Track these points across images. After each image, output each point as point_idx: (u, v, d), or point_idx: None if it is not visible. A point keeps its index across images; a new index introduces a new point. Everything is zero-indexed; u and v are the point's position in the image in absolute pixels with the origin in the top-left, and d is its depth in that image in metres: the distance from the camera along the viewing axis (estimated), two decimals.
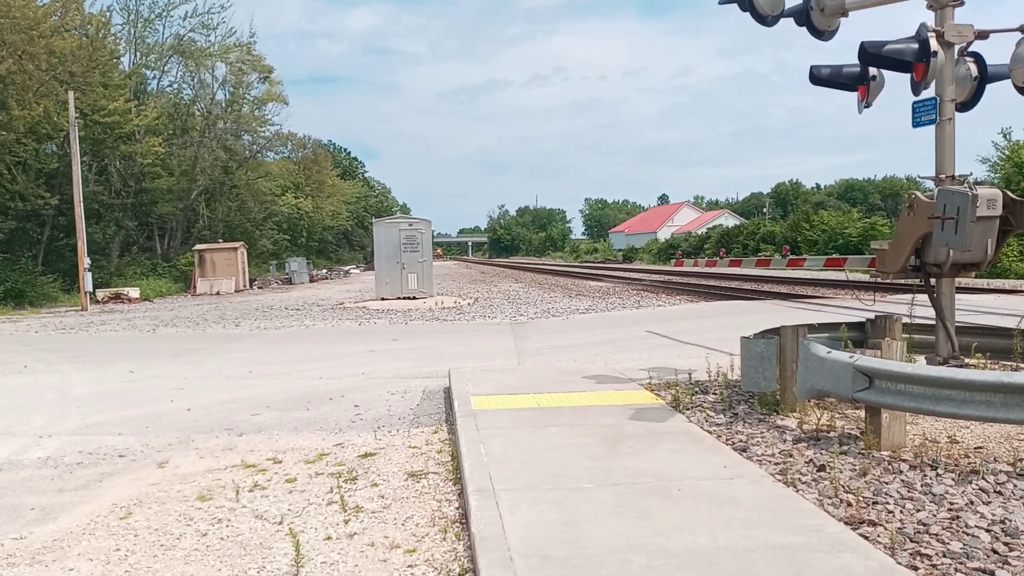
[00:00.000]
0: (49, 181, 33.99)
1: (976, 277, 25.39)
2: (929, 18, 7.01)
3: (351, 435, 7.20)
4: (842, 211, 60.52)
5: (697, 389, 8.06)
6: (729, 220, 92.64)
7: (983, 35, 7.09)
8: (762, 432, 6.37)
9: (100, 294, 31.11)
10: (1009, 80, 7.24)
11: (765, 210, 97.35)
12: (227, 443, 7.07)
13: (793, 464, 5.48)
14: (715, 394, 7.80)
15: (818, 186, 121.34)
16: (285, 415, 8.18)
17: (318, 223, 70.58)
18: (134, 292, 32.58)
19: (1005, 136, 37.71)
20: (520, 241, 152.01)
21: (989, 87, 7.51)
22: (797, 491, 4.91)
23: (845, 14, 7.62)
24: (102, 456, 6.74)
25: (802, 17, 7.68)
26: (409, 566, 4.23)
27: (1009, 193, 6.85)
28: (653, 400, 7.65)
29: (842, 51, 7.95)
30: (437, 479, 5.76)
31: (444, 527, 4.74)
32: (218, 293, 36.74)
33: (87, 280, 27.93)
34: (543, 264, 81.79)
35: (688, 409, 7.17)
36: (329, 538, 4.64)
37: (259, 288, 41.57)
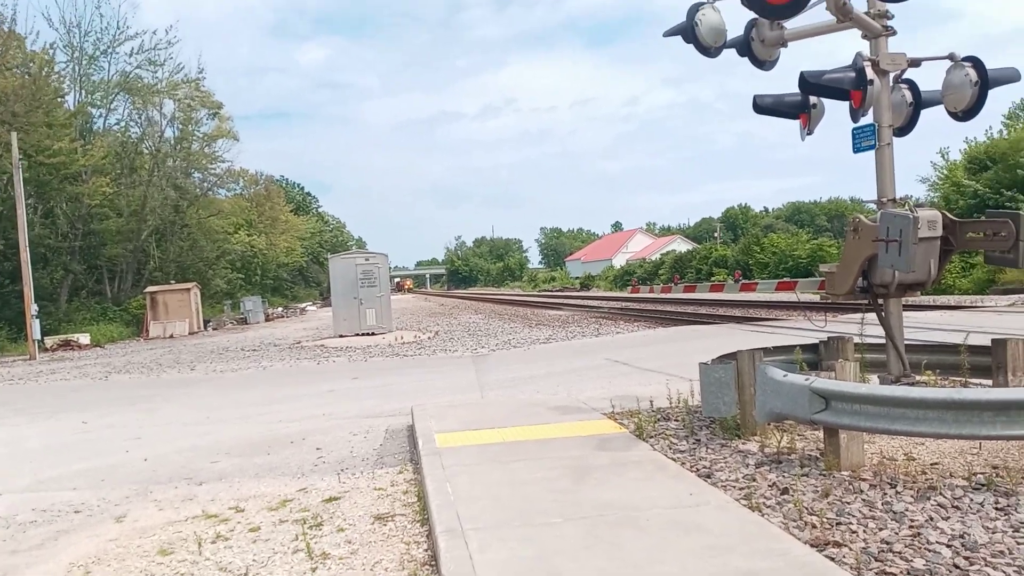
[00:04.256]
0: None
1: (922, 295, 26.20)
2: (864, 47, 7.30)
3: (314, 479, 7.09)
4: (791, 233, 61.97)
5: (659, 416, 8.12)
6: (682, 245, 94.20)
7: (915, 63, 7.41)
8: (725, 457, 6.44)
9: (49, 341, 30.26)
10: (942, 105, 7.57)
11: (716, 234, 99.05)
12: (187, 493, 6.91)
13: (757, 488, 5.55)
14: (677, 420, 7.88)
15: (766, 209, 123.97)
16: (246, 461, 8.03)
17: (272, 260, 69.79)
18: (84, 338, 31.78)
19: (943, 156, 39.14)
20: (478, 272, 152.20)
21: (924, 112, 7.83)
22: (762, 515, 4.98)
23: (785, 45, 7.89)
24: (57, 513, 6.53)
25: (744, 48, 7.94)
26: None
27: (947, 214, 7.11)
28: (617, 429, 7.70)
29: (782, 78, 8.24)
30: (404, 521, 5.70)
31: (413, 570, 4.69)
32: (172, 336, 36.00)
33: (35, 327, 27.16)
34: (502, 294, 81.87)
35: (652, 437, 7.23)
36: None
37: (214, 329, 40.84)
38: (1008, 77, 7.41)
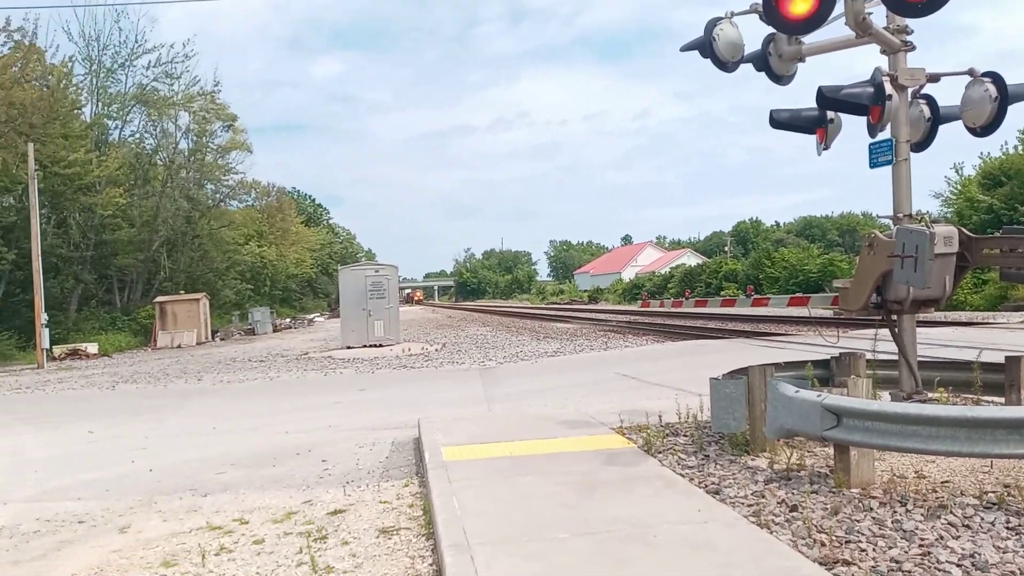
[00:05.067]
0: (6, 235, 33.25)
1: (935, 311, 26.00)
2: (883, 62, 7.24)
3: (319, 491, 7.06)
4: (802, 248, 61.69)
5: (668, 431, 8.06)
6: (691, 259, 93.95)
7: (935, 78, 7.35)
8: (734, 473, 6.37)
9: (57, 350, 30.33)
10: (960, 121, 7.51)
11: (726, 248, 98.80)
12: (191, 504, 6.88)
13: (766, 505, 5.48)
14: (686, 436, 7.81)
15: (778, 224, 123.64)
16: (251, 472, 8.00)
17: (282, 271, 69.89)
18: (92, 347, 31.85)
19: (957, 171, 38.93)
20: (486, 284, 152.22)
21: (942, 127, 7.76)
22: (771, 532, 4.91)
23: (802, 59, 7.84)
24: (61, 523, 6.51)
25: (761, 63, 7.89)
26: None
27: (964, 230, 7.04)
28: (625, 444, 7.64)
29: (797, 92, 8.19)
30: (410, 535, 5.65)
31: None
32: (179, 346, 36.08)
33: (44, 336, 27.25)
34: (510, 307, 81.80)
35: (660, 452, 7.16)
36: None
37: (222, 339, 40.92)
38: None
